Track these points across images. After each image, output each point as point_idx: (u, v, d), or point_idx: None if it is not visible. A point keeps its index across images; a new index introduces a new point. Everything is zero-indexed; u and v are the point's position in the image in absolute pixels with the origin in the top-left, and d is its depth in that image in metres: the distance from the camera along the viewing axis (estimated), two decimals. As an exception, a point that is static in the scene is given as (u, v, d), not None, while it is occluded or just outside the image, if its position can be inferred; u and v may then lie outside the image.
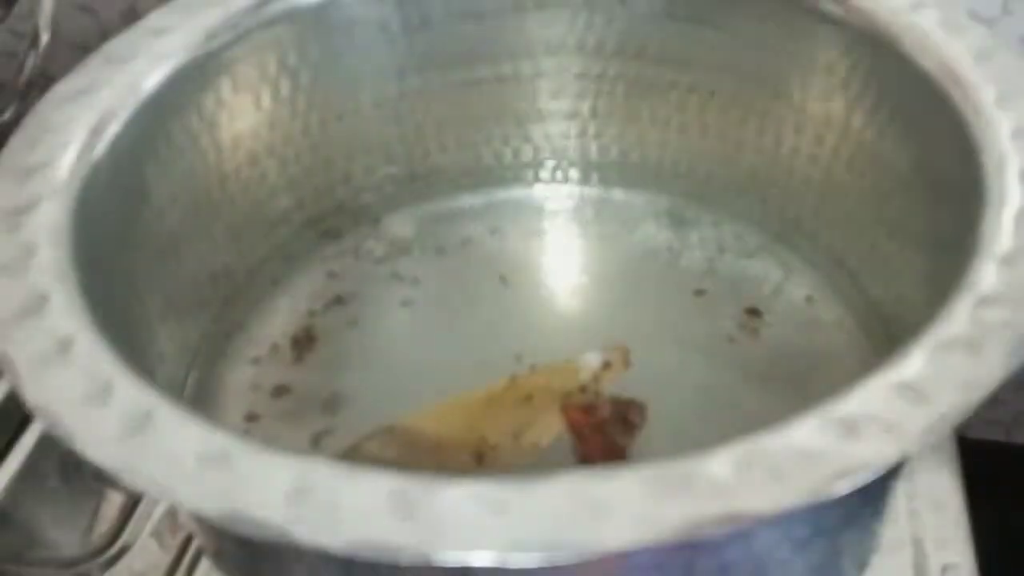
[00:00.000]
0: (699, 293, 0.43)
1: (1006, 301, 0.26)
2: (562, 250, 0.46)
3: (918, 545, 0.38)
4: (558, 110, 0.49)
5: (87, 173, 0.33)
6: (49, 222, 0.31)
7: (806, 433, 0.23)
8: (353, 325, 0.43)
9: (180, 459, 0.24)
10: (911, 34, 0.36)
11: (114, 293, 0.34)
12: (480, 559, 0.21)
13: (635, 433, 0.37)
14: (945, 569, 0.37)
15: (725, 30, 0.44)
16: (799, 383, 0.39)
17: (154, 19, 0.39)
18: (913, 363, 0.25)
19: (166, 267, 0.39)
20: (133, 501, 0.42)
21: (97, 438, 0.24)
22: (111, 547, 0.41)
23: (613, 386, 0.39)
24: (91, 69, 0.36)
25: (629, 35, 0.46)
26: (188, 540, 0.40)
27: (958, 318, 0.26)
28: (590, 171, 0.50)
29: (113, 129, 0.35)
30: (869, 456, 0.23)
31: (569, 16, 0.47)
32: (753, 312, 0.42)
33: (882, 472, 0.23)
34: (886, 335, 0.40)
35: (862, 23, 0.38)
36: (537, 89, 0.49)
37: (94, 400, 0.25)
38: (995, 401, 0.24)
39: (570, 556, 0.21)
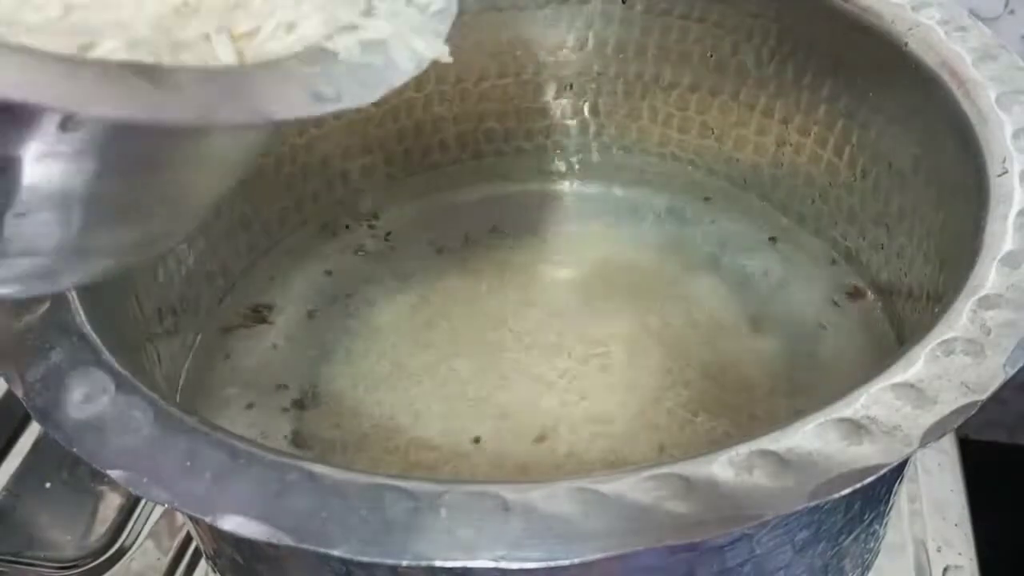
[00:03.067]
0: (700, 291, 0.43)
1: (1008, 302, 0.26)
2: (562, 247, 0.46)
3: (920, 546, 0.38)
4: (559, 108, 0.49)
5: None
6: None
7: (808, 435, 0.23)
8: (351, 323, 0.43)
9: (179, 461, 0.24)
10: (914, 33, 0.36)
11: (111, 292, 0.34)
12: (480, 563, 0.21)
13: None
14: (947, 570, 0.37)
15: (725, 28, 0.44)
16: (801, 383, 0.39)
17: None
18: (915, 364, 0.25)
19: (163, 266, 0.39)
20: (131, 502, 0.42)
21: (96, 440, 0.24)
22: (109, 548, 0.41)
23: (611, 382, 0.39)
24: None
25: (629, 33, 0.46)
26: (186, 541, 0.40)
27: (960, 319, 0.26)
28: (591, 169, 0.50)
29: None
30: (871, 458, 0.22)
31: (570, 14, 0.47)
32: (755, 310, 0.42)
33: (884, 474, 0.22)
34: (889, 335, 0.40)
35: (865, 22, 0.38)
36: (538, 87, 0.49)
37: (92, 401, 0.25)
38: (997, 402, 0.24)
39: (570, 560, 0.21)
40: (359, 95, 0.19)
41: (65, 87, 0.16)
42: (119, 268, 0.24)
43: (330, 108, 0.19)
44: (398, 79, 0.21)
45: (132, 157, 0.19)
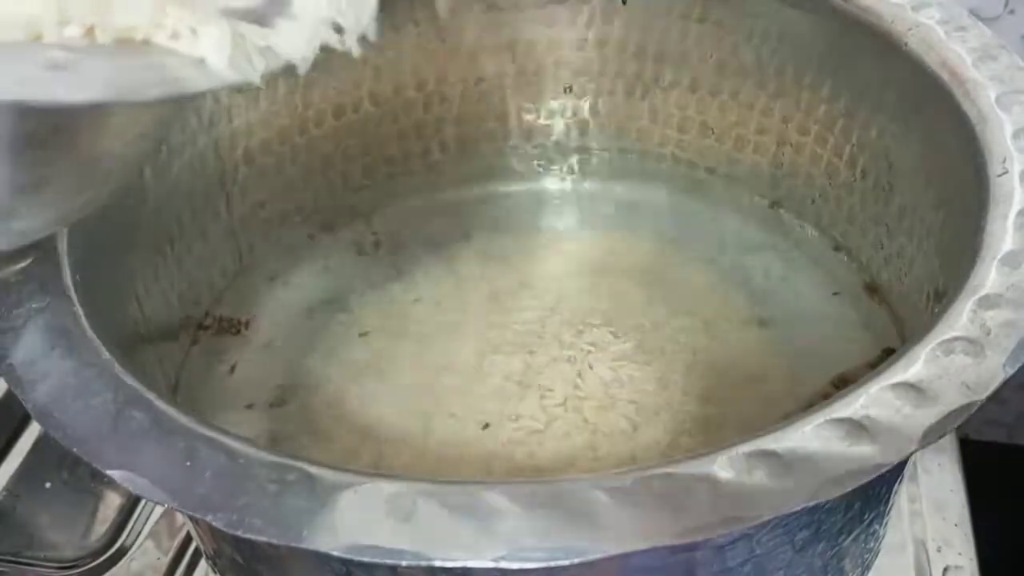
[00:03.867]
0: (700, 289, 0.43)
1: (1008, 302, 0.26)
2: (562, 247, 0.46)
3: (920, 546, 0.38)
4: (559, 108, 0.49)
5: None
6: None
7: (808, 435, 0.23)
8: (350, 320, 0.43)
9: (179, 461, 0.24)
10: (914, 33, 0.36)
11: (112, 293, 0.34)
12: (480, 563, 0.21)
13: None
14: (947, 570, 0.37)
15: (725, 28, 0.44)
16: (801, 382, 0.39)
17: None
18: (915, 364, 0.25)
19: (163, 266, 0.39)
20: (131, 502, 0.42)
21: (96, 440, 0.24)
22: (109, 548, 0.41)
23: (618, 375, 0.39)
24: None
25: (629, 34, 0.46)
26: (186, 541, 0.40)
27: (960, 319, 0.26)
28: (591, 168, 0.50)
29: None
30: (871, 458, 0.22)
31: (570, 14, 0.47)
32: (755, 310, 0.42)
33: (884, 474, 0.22)
34: (889, 334, 0.40)
35: (865, 22, 0.38)
36: (538, 87, 0.49)
37: (92, 402, 0.25)
38: (997, 402, 0.24)
39: (570, 560, 0.21)
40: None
41: None
42: (40, 231, 0.24)
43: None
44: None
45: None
